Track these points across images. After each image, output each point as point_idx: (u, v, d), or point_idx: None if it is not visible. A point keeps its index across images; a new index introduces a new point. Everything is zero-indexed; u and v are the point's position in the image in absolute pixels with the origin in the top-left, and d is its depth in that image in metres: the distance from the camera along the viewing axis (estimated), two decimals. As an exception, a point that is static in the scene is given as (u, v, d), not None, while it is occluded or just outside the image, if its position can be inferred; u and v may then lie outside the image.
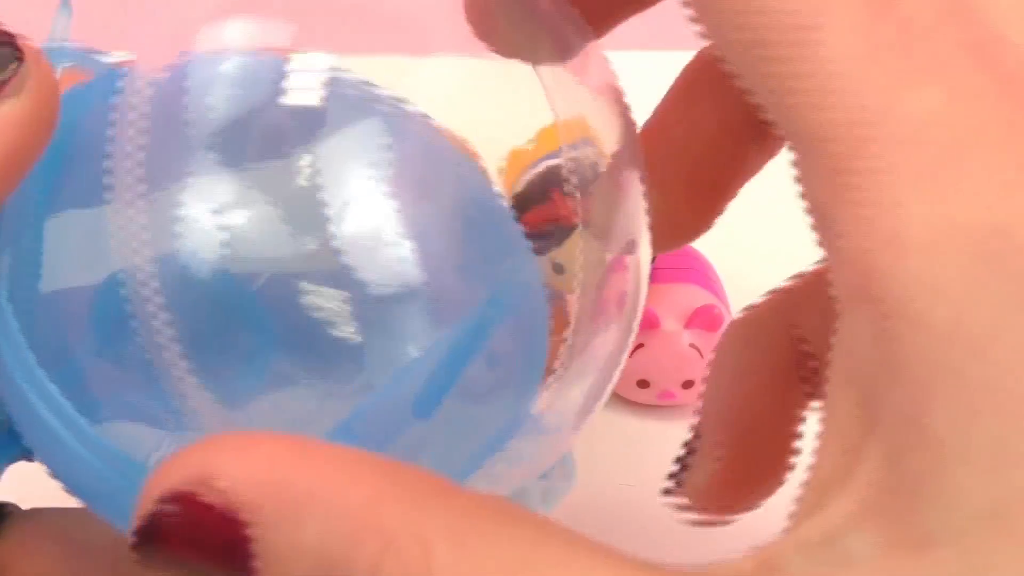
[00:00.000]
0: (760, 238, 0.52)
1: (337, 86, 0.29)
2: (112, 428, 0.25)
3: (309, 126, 0.30)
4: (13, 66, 0.23)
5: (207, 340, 0.28)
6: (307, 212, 0.29)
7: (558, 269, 0.40)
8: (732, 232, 0.52)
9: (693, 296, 0.41)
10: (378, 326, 0.30)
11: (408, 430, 0.27)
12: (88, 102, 0.26)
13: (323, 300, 0.29)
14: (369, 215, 0.30)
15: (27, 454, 0.26)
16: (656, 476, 0.40)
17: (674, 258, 0.43)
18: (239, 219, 0.29)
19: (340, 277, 0.29)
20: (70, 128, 0.26)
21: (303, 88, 0.30)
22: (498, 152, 0.45)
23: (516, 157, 0.44)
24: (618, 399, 0.42)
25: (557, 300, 0.42)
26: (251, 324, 0.29)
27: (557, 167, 0.41)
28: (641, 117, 0.49)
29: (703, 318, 0.40)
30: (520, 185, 0.42)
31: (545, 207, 0.40)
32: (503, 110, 0.52)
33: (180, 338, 0.28)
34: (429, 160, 0.29)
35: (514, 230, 0.29)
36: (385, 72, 0.53)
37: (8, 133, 0.23)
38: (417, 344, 0.29)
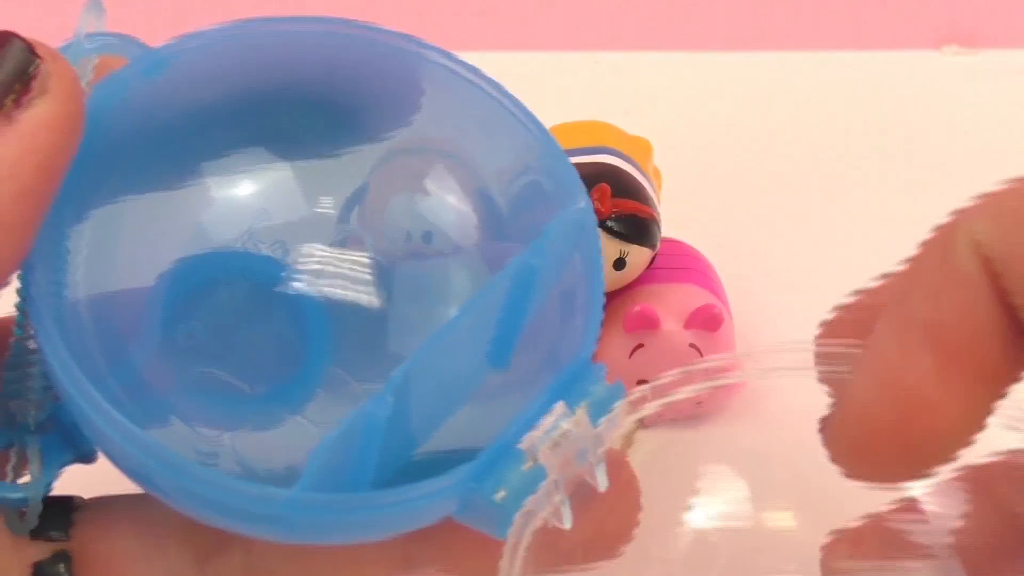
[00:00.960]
0: (760, 238, 0.52)
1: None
2: (167, 426, 0.25)
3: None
4: (33, 67, 0.22)
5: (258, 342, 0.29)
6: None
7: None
8: (732, 232, 0.52)
9: (693, 296, 0.41)
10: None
11: (485, 380, 0.27)
12: (120, 90, 0.26)
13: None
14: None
15: (81, 457, 0.27)
16: (656, 476, 0.40)
17: (674, 258, 0.43)
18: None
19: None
20: (101, 120, 0.25)
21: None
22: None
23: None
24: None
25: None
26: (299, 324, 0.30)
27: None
28: (643, 117, 0.49)
29: (703, 318, 0.40)
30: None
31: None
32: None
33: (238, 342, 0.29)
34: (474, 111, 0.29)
35: (563, 168, 0.28)
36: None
37: (42, 137, 0.22)
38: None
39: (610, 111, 0.48)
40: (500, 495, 0.24)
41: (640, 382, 0.41)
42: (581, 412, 0.25)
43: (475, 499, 0.24)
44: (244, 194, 0.29)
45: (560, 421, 0.25)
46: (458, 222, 0.30)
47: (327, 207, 0.30)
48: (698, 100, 0.61)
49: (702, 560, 0.29)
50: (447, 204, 0.30)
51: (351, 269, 0.30)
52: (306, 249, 0.30)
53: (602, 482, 0.25)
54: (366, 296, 0.30)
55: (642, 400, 0.26)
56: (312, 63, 0.28)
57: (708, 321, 0.40)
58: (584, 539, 0.25)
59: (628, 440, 0.26)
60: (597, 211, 0.39)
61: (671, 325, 0.40)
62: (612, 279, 0.40)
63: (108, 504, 0.27)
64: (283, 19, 0.27)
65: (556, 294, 0.27)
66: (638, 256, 0.40)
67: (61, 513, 0.26)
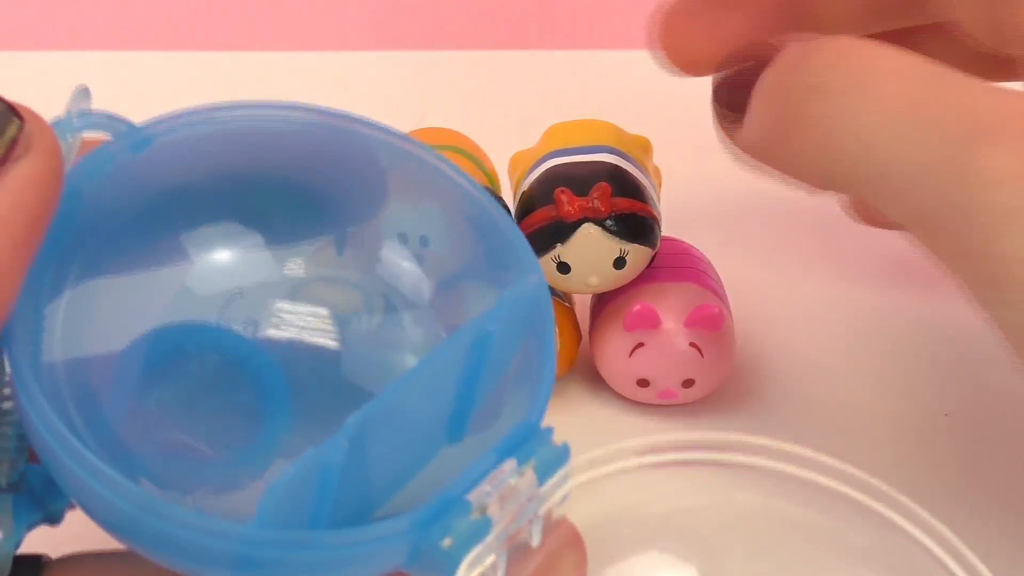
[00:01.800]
0: (760, 237, 0.52)
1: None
2: (136, 485, 0.26)
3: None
4: (14, 127, 0.24)
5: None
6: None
7: (563, 269, 0.40)
8: (732, 231, 0.52)
9: (693, 295, 0.41)
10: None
11: (440, 453, 0.29)
12: (105, 163, 0.28)
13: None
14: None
15: (49, 518, 0.28)
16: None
17: (674, 257, 0.43)
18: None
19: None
20: (85, 190, 0.27)
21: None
22: (504, 154, 0.45)
23: (519, 159, 0.44)
24: (618, 398, 0.42)
25: (564, 301, 0.43)
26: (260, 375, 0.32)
27: (561, 167, 0.41)
28: (643, 116, 0.49)
29: (703, 317, 0.40)
30: (524, 186, 0.42)
31: (549, 206, 0.40)
32: (509, 110, 0.52)
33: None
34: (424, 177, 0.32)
35: (519, 241, 0.30)
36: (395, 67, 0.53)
37: (30, 192, 0.24)
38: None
39: (610, 110, 0.48)
40: (447, 542, 0.25)
41: (640, 381, 0.41)
42: (529, 470, 0.26)
43: (423, 546, 0.25)
44: (219, 272, 0.31)
45: (509, 477, 0.26)
46: (417, 301, 0.32)
47: (294, 288, 0.32)
48: (699, 98, 0.61)
49: None
50: (408, 283, 0.32)
51: (314, 347, 0.32)
52: (273, 329, 0.32)
53: (536, 539, 0.27)
54: (327, 372, 0.32)
55: (588, 464, 0.28)
56: (289, 149, 0.30)
57: (709, 320, 0.40)
58: None
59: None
60: (597, 210, 0.39)
61: (671, 324, 0.40)
62: (612, 278, 0.40)
63: (75, 562, 0.28)
64: (263, 104, 0.30)
65: (509, 361, 0.29)
66: (638, 255, 0.40)
67: (30, 570, 0.27)
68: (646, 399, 0.42)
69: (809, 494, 0.29)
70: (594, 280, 0.40)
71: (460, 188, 0.31)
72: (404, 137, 0.31)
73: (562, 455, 0.27)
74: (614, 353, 0.41)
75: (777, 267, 0.50)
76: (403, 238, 0.32)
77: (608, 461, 0.28)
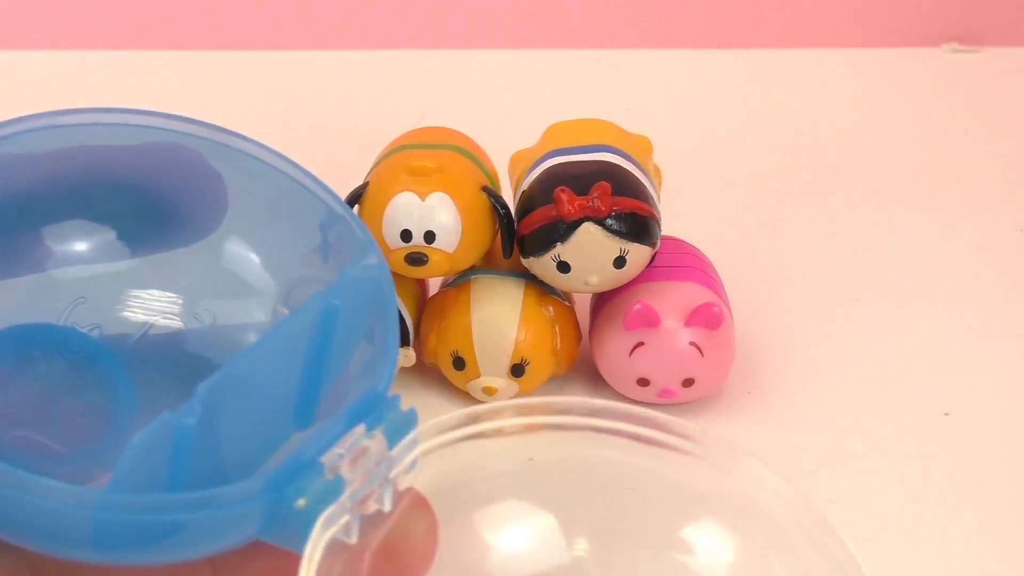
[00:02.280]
0: (761, 235, 0.52)
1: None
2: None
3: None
4: None
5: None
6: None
7: (563, 268, 0.40)
8: (733, 230, 0.52)
9: (693, 294, 0.41)
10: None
11: (291, 438, 0.30)
12: None
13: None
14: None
15: None
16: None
17: (674, 256, 0.43)
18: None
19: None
20: None
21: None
22: (504, 153, 0.45)
23: (519, 158, 0.44)
24: (618, 397, 0.42)
25: (566, 300, 0.43)
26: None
27: (561, 166, 0.41)
28: (643, 116, 0.49)
29: (703, 316, 0.40)
30: (524, 185, 0.42)
31: (549, 205, 0.40)
32: (509, 110, 0.52)
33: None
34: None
35: (358, 225, 0.32)
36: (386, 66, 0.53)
37: None
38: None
39: (610, 109, 0.48)
40: (301, 502, 0.26)
41: (641, 380, 0.41)
42: (379, 434, 0.27)
43: (278, 507, 0.26)
44: (65, 275, 0.32)
45: (360, 440, 0.27)
46: (262, 291, 0.34)
47: (145, 292, 0.33)
48: (699, 97, 0.61)
49: None
50: (249, 279, 0.34)
51: (160, 343, 0.33)
52: (119, 328, 0.33)
53: (388, 504, 0.27)
54: (174, 368, 0.33)
55: (437, 429, 0.29)
56: (133, 155, 0.31)
57: (709, 319, 0.40)
58: (382, 569, 0.27)
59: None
60: (597, 209, 0.39)
61: (671, 323, 0.40)
62: (612, 277, 0.40)
63: None
64: (106, 110, 0.31)
65: (357, 340, 0.30)
66: (638, 254, 0.40)
67: None
68: (646, 398, 0.42)
69: (652, 449, 0.30)
70: (594, 279, 0.40)
71: (294, 180, 0.32)
72: (237, 135, 0.32)
73: (410, 420, 0.28)
74: (614, 352, 0.41)
75: (777, 265, 0.50)
76: (246, 229, 0.33)
77: (456, 426, 0.29)
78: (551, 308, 0.41)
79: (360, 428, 0.27)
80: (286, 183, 0.32)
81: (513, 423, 0.30)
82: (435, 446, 0.29)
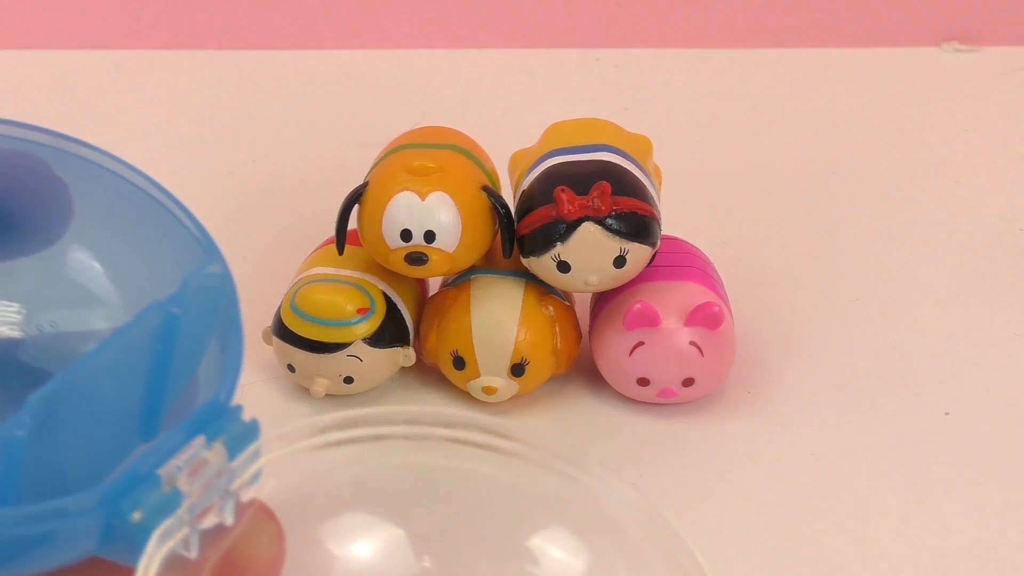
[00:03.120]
0: (760, 235, 0.52)
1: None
2: None
3: None
4: None
5: None
6: None
7: (563, 268, 0.40)
8: (733, 230, 0.52)
9: (693, 294, 0.41)
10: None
11: (135, 449, 0.30)
12: None
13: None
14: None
15: None
16: (657, 474, 0.40)
17: (674, 256, 0.43)
18: None
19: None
20: None
21: None
22: (504, 153, 0.45)
23: (519, 158, 0.44)
24: (618, 397, 0.42)
25: (566, 299, 0.43)
26: None
27: (561, 165, 0.41)
28: (643, 116, 0.49)
29: (703, 316, 0.40)
30: (524, 185, 0.42)
31: (549, 205, 0.40)
32: (509, 110, 0.52)
33: None
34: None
35: (200, 233, 0.32)
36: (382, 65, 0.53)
37: None
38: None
39: (610, 108, 0.48)
40: (137, 516, 0.25)
41: (641, 380, 0.41)
42: (219, 446, 0.27)
43: (113, 521, 0.25)
44: None
45: (199, 452, 0.27)
46: (106, 300, 0.34)
47: None
48: (699, 97, 0.61)
49: None
50: (92, 288, 0.34)
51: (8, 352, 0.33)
52: None
53: (230, 516, 0.27)
54: (8, 381, 0.33)
55: (279, 440, 0.28)
56: None
57: (709, 319, 0.40)
58: None
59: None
60: (597, 209, 0.39)
61: (672, 323, 0.40)
62: (612, 277, 0.40)
63: None
64: None
65: (202, 350, 0.30)
66: (638, 254, 0.40)
67: None
68: (646, 398, 0.42)
69: (501, 458, 0.30)
70: (594, 279, 0.40)
71: (138, 188, 0.32)
72: (83, 143, 0.32)
73: (252, 432, 0.28)
74: (614, 352, 0.41)
75: (777, 265, 0.50)
76: (91, 238, 0.33)
77: (298, 438, 0.29)
78: (551, 308, 0.41)
79: (200, 439, 0.27)
80: (130, 191, 0.32)
81: (359, 433, 0.30)
82: (278, 457, 0.29)
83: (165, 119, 0.58)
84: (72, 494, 0.27)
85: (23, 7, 0.64)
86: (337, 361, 0.40)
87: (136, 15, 0.64)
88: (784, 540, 0.37)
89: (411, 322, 0.42)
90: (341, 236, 0.41)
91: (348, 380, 0.41)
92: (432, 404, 0.41)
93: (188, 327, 0.29)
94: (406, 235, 0.39)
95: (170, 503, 0.26)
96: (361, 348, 0.40)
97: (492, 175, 0.43)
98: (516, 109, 0.59)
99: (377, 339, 0.40)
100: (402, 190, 0.40)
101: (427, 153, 0.41)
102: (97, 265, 0.33)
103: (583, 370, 0.43)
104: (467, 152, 0.42)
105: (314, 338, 0.40)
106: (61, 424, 0.26)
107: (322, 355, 0.40)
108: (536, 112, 0.54)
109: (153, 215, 0.32)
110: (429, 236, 0.39)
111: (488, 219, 0.41)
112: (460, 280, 0.42)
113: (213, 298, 0.30)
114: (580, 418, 0.42)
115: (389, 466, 0.31)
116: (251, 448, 0.28)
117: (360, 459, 0.30)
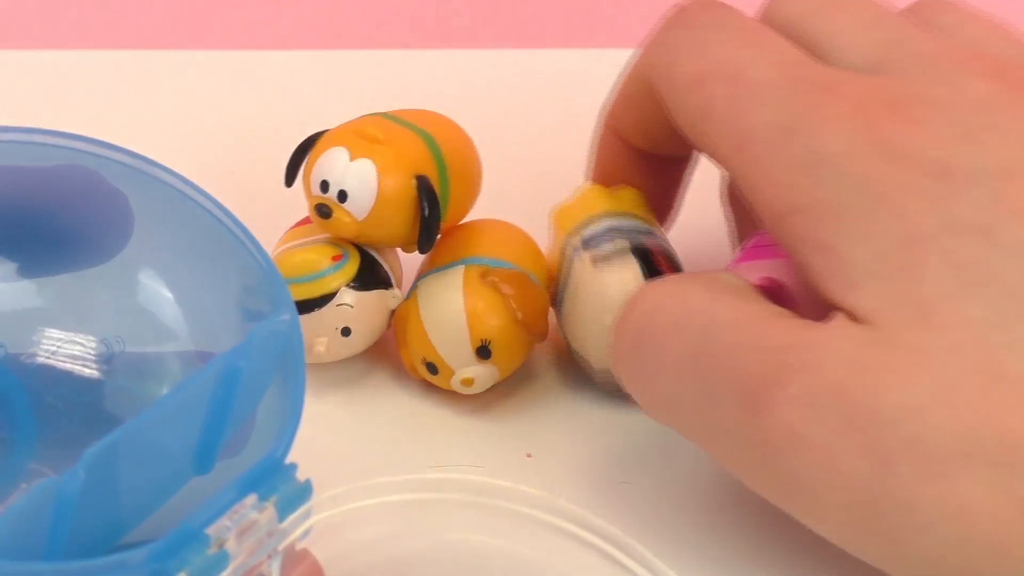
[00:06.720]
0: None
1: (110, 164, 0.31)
2: None
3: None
4: None
5: None
6: None
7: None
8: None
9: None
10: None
11: (189, 486, 0.29)
12: None
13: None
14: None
15: None
16: (656, 473, 0.40)
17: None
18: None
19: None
20: None
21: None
22: (504, 152, 0.45)
23: (563, 215, 0.44)
24: (618, 396, 0.42)
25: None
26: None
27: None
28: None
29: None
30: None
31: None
32: (509, 110, 0.51)
33: None
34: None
35: (274, 276, 0.31)
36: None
37: None
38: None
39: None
40: None
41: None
42: (270, 506, 0.27)
43: None
44: None
45: (249, 512, 0.26)
46: (172, 331, 0.33)
47: (50, 316, 0.33)
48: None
49: None
50: (163, 312, 0.33)
51: (67, 374, 0.33)
52: (26, 356, 0.32)
53: (276, 575, 0.27)
54: (79, 400, 0.32)
55: (330, 503, 0.28)
56: (35, 180, 0.31)
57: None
58: None
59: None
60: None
61: None
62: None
63: None
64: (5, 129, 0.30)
65: (260, 396, 0.30)
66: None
67: None
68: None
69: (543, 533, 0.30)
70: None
71: (213, 218, 0.31)
72: (152, 163, 0.31)
73: (304, 492, 0.27)
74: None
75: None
76: (157, 268, 0.33)
77: (351, 499, 0.28)
78: (497, 279, 0.40)
79: (252, 498, 0.26)
80: (206, 219, 0.32)
81: (414, 497, 0.29)
82: (328, 519, 0.28)
83: (165, 119, 0.58)
84: (121, 534, 0.27)
85: (23, 7, 0.64)
86: (330, 314, 0.40)
87: (136, 15, 0.64)
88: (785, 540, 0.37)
89: (388, 270, 0.42)
90: (291, 170, 0.41)
91: (346, 332, 0.40)
92: (459, 403, 0.41)
93: (250, 378, 0.29)
94: (324, 186, 0.40)
95: (217, 565, 0.25)
96: (349, 294, 0.40)
97: (458, 172, 0.42)
98: (516, 109, 0.59)
99: (361, 283, 0.40)
100: (339, 146, 0.40)
101: (386, 124, 0.41)
102: (164, 287, 0.33)
103: (575, 370, 0.43)
104: (429, 138, 0.42)
105: (299, 298, 0.39)
106: (116, 472, 0.26)
107: (312, 313, 0.40)
108: (536, 112, 0.54)
109: (228, 247, 0.31)
110: (342, 195, 0.40)
111: (412, 207, 0.40)
112: (411, 290, 0.42)
113: (278, 347, 0.30)
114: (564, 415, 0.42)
115: (438, 534, 0.30)
116: (302, 509, 0.27)
117: (411, 522, 0.30)
